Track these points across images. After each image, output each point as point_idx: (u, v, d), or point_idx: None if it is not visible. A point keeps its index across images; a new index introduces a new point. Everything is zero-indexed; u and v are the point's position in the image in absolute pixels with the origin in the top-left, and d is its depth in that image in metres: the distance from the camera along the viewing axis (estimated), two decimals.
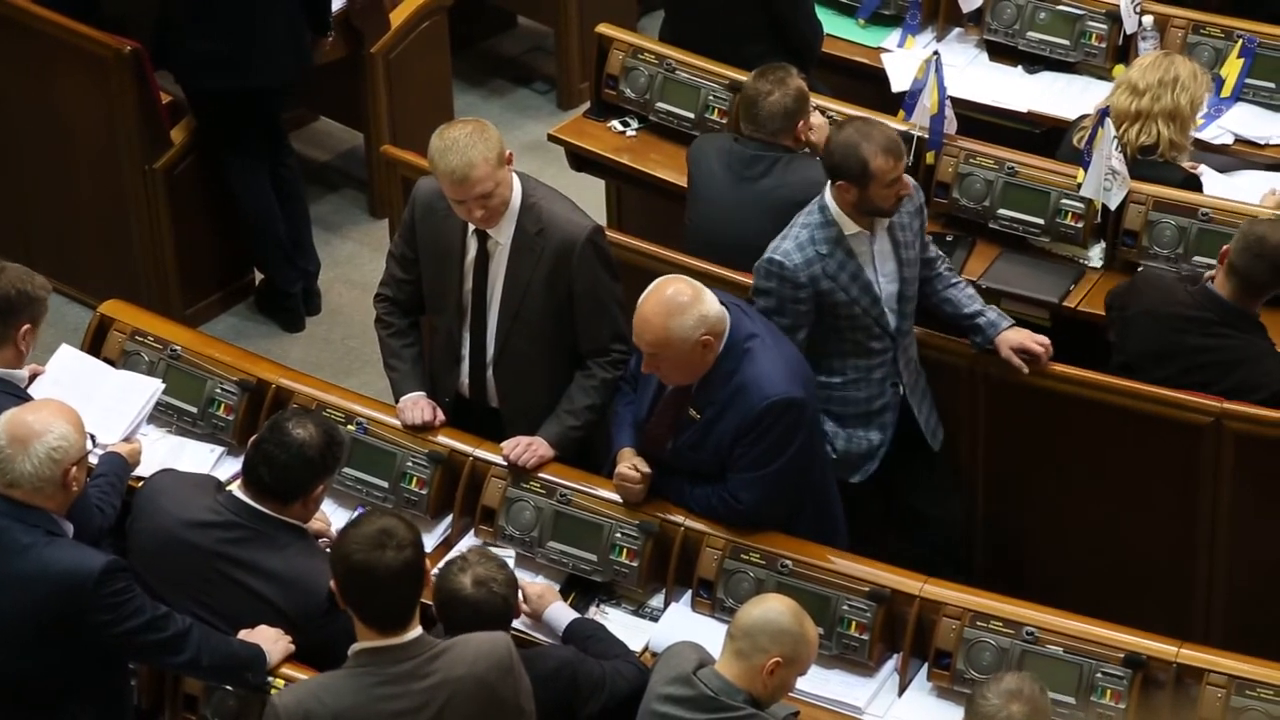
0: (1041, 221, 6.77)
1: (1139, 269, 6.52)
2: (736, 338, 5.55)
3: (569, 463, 5.91)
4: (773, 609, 4.90)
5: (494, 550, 5.69)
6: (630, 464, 5.71)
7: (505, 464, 5.84)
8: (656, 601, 5.70)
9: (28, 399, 5.51)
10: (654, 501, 5.73)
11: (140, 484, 5.64)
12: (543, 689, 5.02)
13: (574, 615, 5.52)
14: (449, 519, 5.91)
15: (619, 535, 5.69)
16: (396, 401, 6.03)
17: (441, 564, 5.26)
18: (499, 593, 5.08)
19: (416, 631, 4.74)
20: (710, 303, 5.50)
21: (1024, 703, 4.65)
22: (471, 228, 5.88)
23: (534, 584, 5.59)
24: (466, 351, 6.04)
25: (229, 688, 5.27)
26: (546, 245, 5.85)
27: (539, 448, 5.85)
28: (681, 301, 5.46)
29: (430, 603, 5.14)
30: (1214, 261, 6.21)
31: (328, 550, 5.47)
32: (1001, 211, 6.82)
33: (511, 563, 5.65)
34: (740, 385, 5.52)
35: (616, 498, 5.75)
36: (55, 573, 4.98)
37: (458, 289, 5.96)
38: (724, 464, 5.62)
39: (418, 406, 5.97)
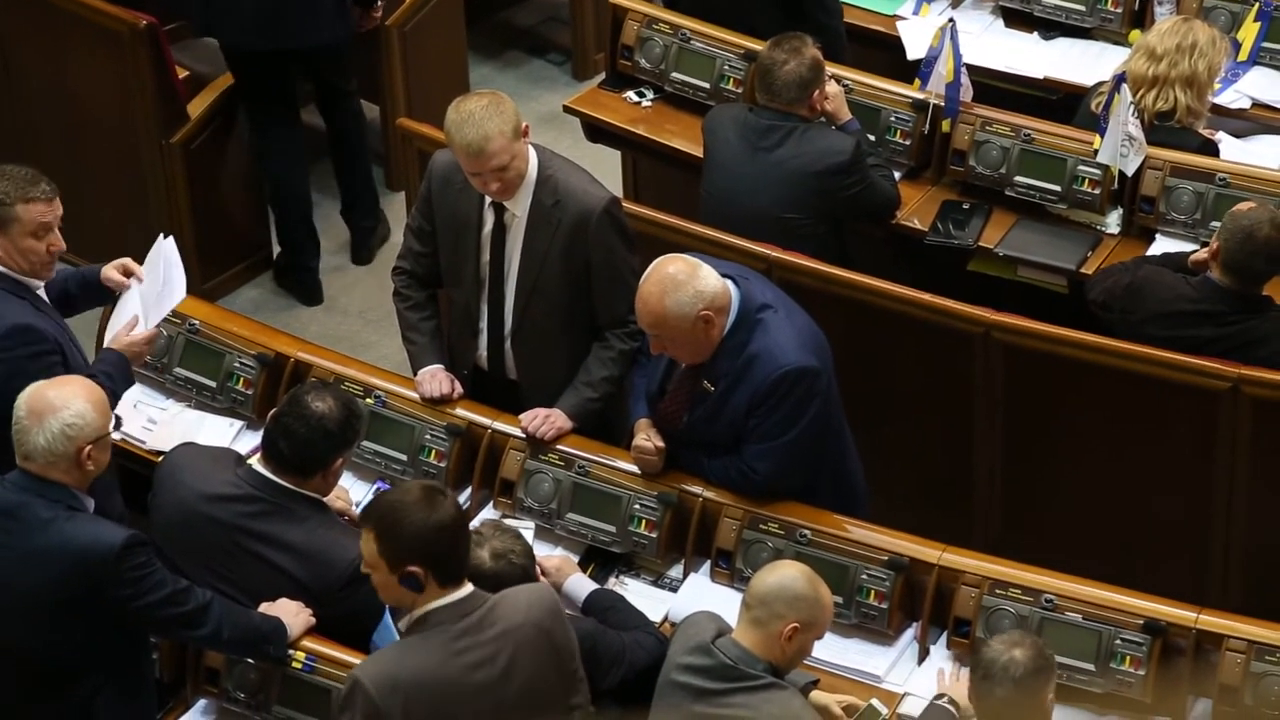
0: (1058, 188, 6.76)
1: (1128, 268, 6.32)
2: (748, 309, 5.55)
3: (587, 434, 5.92)
4: (787, 575, 4.93)
5: (513, 522, 5.72)
6: (646, 435, 5.72)
7: (524, 436, 5.85)
8: (675, 572, 5.72)
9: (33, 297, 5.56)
10: (672, 473, 5.74)
11: (160, 458, 5.66)
12: None
13: (594, 586, 5.54)
14: (468, 491, 5.92)
15: (638, 506, 5.70)
16: (415, 374, 6.04)
17: None
18: (518, 564, 5.11)
19: (469, 586, 4.79)
20: (708, 278, 5.49)
21: (1027, 649, 4.72)
22: (488, 200, 5.89)
23: (551, 557, 5.60)
24: (485, 324, 6.04)
25: (250, 660, 5.30)
26: (563, 217, 5.85)
27: (557, 419, 5.86)
28: (678, 279, 5.45)
29: None
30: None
31: (349, 525, 5.53)
32: (1018, 179, 6.81)
33: (531, 535, 5.67)
34: (753, 356, 5.52)
35: (635, 469, 5.76)
36: (76, 547, 5.00)
37: (475, 261, 5.97)
38: (739, 436, 5.62)
39: (436, 379, 5.98)
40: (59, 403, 5.07)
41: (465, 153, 5.72)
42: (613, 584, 5.66)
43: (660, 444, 5.70)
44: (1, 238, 5.58)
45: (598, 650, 5.21)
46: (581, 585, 5.53)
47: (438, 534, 4.74)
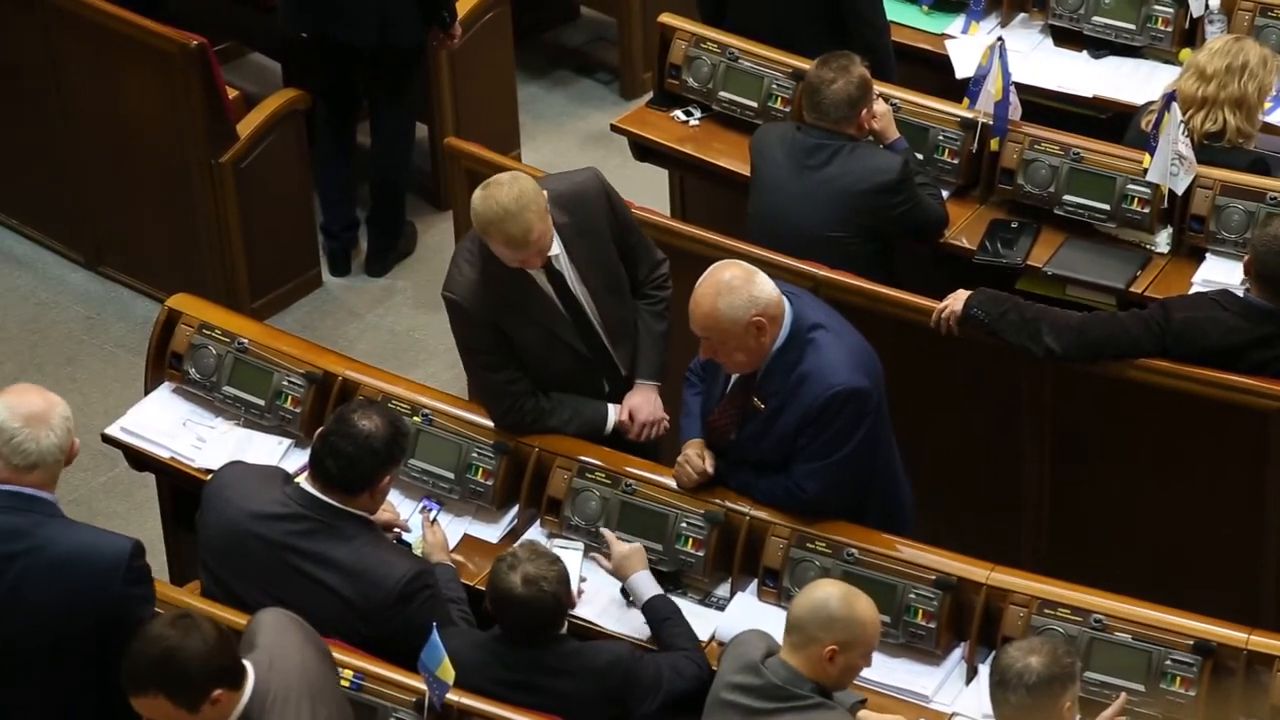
0: (1108, 207, 6.73)
1: (1165, 311, 6.10)
2: (800, 327, 5.55)
3: (635, 452, 5.92)
4: (819, 597, 4.90)
5: (561, 541, 5.72)
6: (699, 452, 5.71)
7: (568, 455, 5.84)
8: (722, 591, 5.71)
9: None
10: (719, 490, 5.74)
11: (209, 477, 5.68)
12: (596, 682, 5.04)
13: (656, 591, 5.52)
14: (515, 510, 5.92)
15: (684, 525, 5.70)
16: (606, 427, 5.98)
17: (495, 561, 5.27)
18: (549, 590, 5.10)
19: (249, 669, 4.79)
20: (763, 286, 5.50)
21: (1043, 656, 4.69)
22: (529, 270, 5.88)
23: (624, 544, 5.59)
24: (589, 352, 5.98)
25: None
26: (581, 215, 5.89)
27: (655, 413, 5.96)
28: (733, 285, 5.47)
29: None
30: None
31: (397, 541, 5.55)
32: (1067, 197, 6.79)
33: (580, 555, 5.67)
34: (804, 375, 5.52)
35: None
36: (90, 552, 4.90)
37: (558, 319, 5.93)
38: (788, 455, 5.61)
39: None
40: (45, 403, 4.98)
41: (510, 245, 5.70)
42: None
43: (709, 470, 5.69)
44: None
45: (631, 675, 5.19)
46: (646, 586, 5.52)
47: (222, 651, 4.70)
